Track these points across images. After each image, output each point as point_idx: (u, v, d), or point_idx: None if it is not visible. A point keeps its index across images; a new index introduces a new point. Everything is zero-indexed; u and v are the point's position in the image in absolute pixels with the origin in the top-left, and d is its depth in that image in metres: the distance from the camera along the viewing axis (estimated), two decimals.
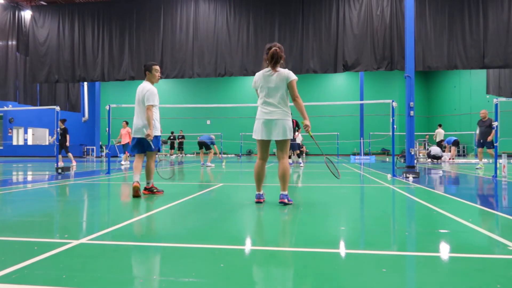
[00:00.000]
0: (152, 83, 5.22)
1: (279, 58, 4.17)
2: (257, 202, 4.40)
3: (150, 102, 4.96)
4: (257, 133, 4.28)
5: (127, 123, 13.90)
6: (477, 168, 10.66)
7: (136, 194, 4.94)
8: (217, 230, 3.12)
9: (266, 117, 4.19)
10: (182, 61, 14.60)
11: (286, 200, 4.25)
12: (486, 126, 11.01)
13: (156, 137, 5.15)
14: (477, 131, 11.73)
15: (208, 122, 31.50)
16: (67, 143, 12.94)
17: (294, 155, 13.76)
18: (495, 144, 8.20)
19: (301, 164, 12.85)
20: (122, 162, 13.32)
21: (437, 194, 5.48)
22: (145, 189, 5.19)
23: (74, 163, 12.54)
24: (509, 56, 12.45)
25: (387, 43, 13.23)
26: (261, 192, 4.45)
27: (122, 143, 13.91)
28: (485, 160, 12.85)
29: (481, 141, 11.28)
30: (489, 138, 10.81)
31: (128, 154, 13.74)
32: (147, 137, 4.99)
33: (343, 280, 1.92)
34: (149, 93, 5.01)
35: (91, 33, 15.68)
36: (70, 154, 13.09)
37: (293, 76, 4.20)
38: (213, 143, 12.54)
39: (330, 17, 13.85)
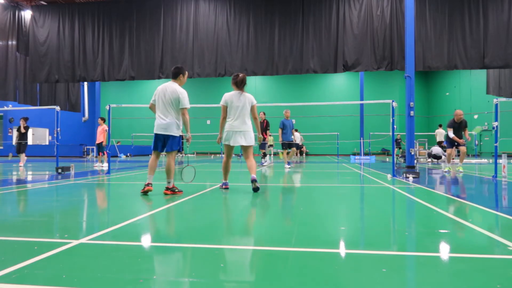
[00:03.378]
0: (181, 85, 5.41)
1: (245, 82, 5.62)
2: (225, 189, 5.63)
3: (187, 105, 5.22)
4: (229, 140, 5.52)
5: (103, 120, 12.88)
6: (445, 172, 9.42)
7: (145, 193, 5.08)
8: (217, 230, 3.12)
9: (237, 129, 5.48)
10: (182, 61, 14.60)
11: (256, 181, 5.34)
12: (462, 128, 10.06)
13: (178, 137, 5.35)
14: (450, 133, 10.23)
15: (208, 122, 31.50)
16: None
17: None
18: (495, 144, 8.20)
19: (265, 164, 13.46)
20: (98, 164, 12.26)
21: (437, 194, 5.48)
22: (167, 189, 5.17)
23: (21, 164, 12.13)
24: (509, 56, 12.44)
25: (387, 43, 13.23)
26: (227, 181, 5.80)
27: (97, 142, 12.78)
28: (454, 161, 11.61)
29: (456, 142, 10.18)
30: (462, 141, 9.96)
31: (102, 155, 12.62)
32: (187, 141, 5.35)
33: (343, 280, 1.92)
34: (183, 96, 5.21)
35: (91, 33, 15.67)
36: (23, 155, 12.45)
37: (255, 101, 5.67)
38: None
39: (330, 17, 13.84)
